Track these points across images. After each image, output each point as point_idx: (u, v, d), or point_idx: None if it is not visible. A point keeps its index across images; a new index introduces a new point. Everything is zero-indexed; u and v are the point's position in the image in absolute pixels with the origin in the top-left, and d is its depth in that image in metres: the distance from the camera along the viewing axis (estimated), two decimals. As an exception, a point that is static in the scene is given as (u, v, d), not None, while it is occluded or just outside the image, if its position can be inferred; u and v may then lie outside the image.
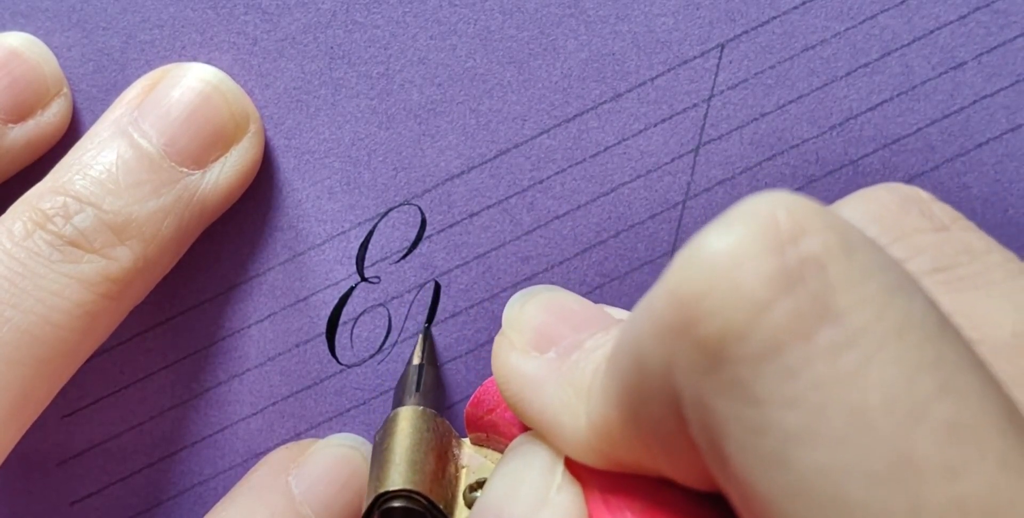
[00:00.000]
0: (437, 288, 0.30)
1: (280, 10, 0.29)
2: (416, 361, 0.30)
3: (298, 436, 0.31)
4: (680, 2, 0.29)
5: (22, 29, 0.30)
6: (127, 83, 0.29)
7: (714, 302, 0.17)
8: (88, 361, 0.29)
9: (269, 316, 0.31)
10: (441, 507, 0.26)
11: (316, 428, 0.31)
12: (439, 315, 0.30)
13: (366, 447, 0.31)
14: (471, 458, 0.28)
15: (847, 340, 0.16)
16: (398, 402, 0.29)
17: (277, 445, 0.31)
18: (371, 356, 0.31)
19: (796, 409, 0.16)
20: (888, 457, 0.16)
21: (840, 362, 0.16)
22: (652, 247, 0.30)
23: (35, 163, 0.30)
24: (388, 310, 0.31)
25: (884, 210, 0.23)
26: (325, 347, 0.31)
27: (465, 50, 0.29)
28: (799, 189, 0.30)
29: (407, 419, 0.28)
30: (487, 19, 0.29)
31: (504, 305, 0.30)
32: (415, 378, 0.29)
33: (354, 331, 0.31)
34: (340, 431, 0.31)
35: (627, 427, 0.20)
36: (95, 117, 0.29)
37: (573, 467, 0.22)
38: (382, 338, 0.31)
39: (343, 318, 0.31)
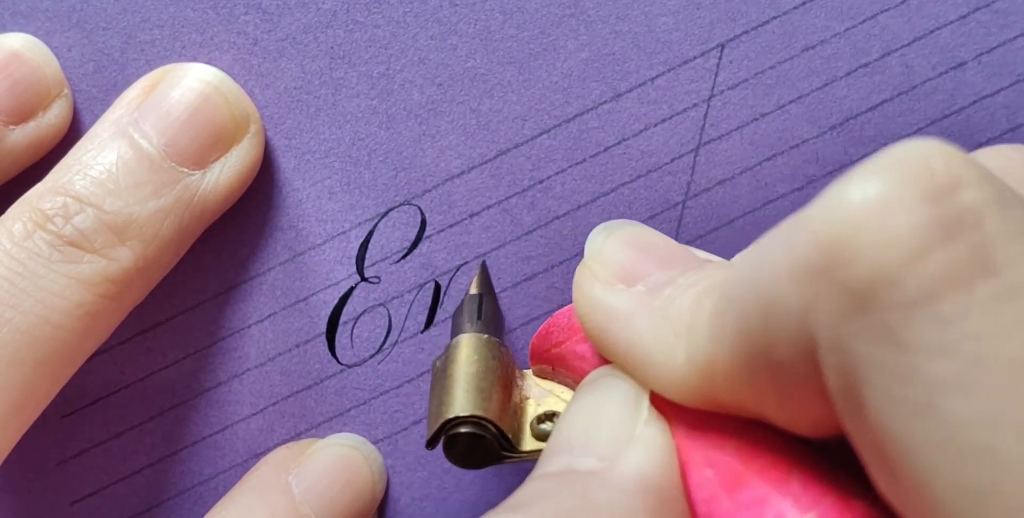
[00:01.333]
0: (437, 288, 0.30)
1: (280, 10, 0.29)
2: (474, 291, 0.29)
3: (298, 436, 0.31)
4: (680, 2, 0.29)
5: (22, 29, 0.30)
6: (127, 83, 0.29)
7: (865, 247, 0.17)
8: (88, 361, 0.29)
9: (269, 316, 0.31)
10: (509, 437, 0.26)
11: (316, 428, 0.31)
12: (439, 315, 0.30)
13: (366, 447, 0.31)
14: (535, 390, 0.27)
15: (1007, 293, 0.16)
16: (458, 330, 0.28)
17: (277, 445, 0.31)
18: (371, 356, 0.31)
19: (949, 358, 0.16)
20: None
21: (999, 314, 0.16)
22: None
23: (35, 163, 0.30)
24: (388, 310, 0.31)
25: (1014, 166, 0.23)
26: (325, 347, 0.31)
27: (465, 50, 0.29)
28: (799, 189, 0.30)
29: (470, 346, 0.27)
30: (487, 19, 0.29)
31: (503, 305, 0.30)
32: (475, 306, 0.28)
33: (354, 331, 0.31)
34: (340, 431, 0.31)
35: (737, 368, 0.20)
36: (95, 117, 0.29)
37: (658, 404, 0.22)
38: (382, 338, 0.31)
39: (343, 318, 0.31)
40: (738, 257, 0.24)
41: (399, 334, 0.31)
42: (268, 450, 0.31)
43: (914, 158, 0.17)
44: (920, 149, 0.17)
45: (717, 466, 0.21)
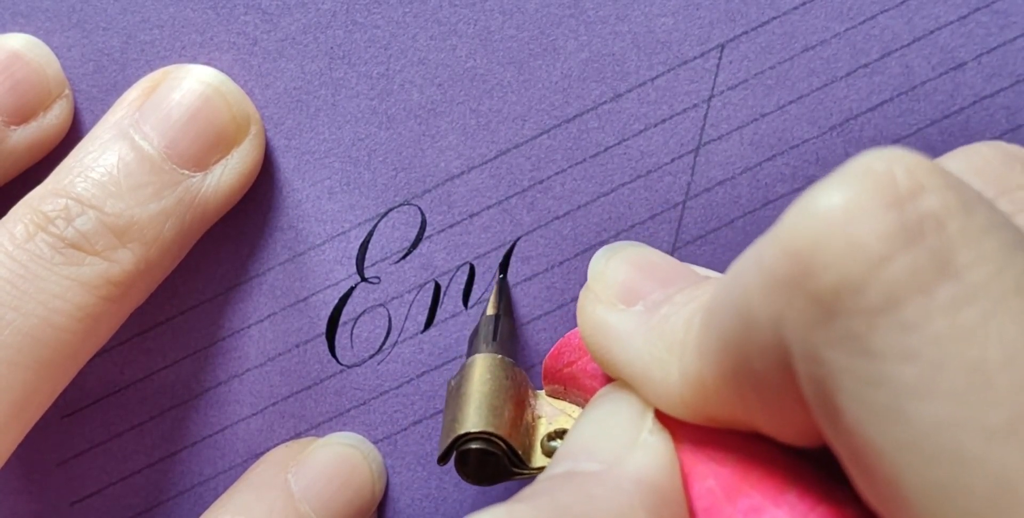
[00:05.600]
0: (437, 288, 0.30)
1: (280, 10, 0.29)
2: (491, 311, 0.30)
3: (298, 436, 0.31)
4: (680, 2, 0.29)
5: (22, 29, 0.30)
6: (127, 83, 0.29)
7: (830, 255, 0.17)
8: (88, 361, 0.29)
9: (269, 316, 0.31)
10: (519, 453, 0.26)
11: (316, 428, 0.31)
12: (439, 316, 0.31)
13: (366, 446, 0.31)
14: (547, 409, 0.27)
15: (967, 296, 0.17)
16: (473, 351, 0.28)
17: (277, 445, 0.31)
18: (371, 356, 0.31)
19: (913, 363, 0.17)
20: (1007, 412, 0.16)
21: (960, 317, 0.16)
22: (652, 247, 0.30)
23: (36, 164, 0.30)
24: (388, 310, 0.31)
25: (987, 165, 0.23)
26: (325, 347, 0.31)
27: (465, 50, 0.29)
28: (799, 190, 0.30)
29: (484, 366, 0.27)
30: (487, 19, 0.29)
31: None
32: (491, 327, 0.29)
33: (354, 331, 0.31)
34: (340, 431, 0.31)
35: (724, 382, 0.20)
36: (95, 117, 0.29)
37: (663, 419, 0.22)
38: (382, 338, 0.31)
39: (343, 318, 0.31)
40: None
41: (399, 334, 0.31)
42: (268, 450, 0.31)
43: (877, 166, 0.17)
44: (884, 157, 0.18)
45: (718, 478, 0.21)
